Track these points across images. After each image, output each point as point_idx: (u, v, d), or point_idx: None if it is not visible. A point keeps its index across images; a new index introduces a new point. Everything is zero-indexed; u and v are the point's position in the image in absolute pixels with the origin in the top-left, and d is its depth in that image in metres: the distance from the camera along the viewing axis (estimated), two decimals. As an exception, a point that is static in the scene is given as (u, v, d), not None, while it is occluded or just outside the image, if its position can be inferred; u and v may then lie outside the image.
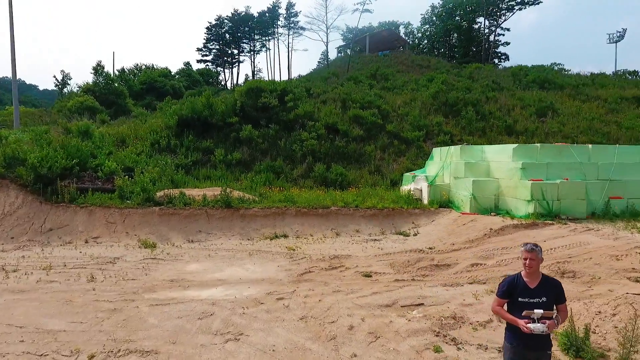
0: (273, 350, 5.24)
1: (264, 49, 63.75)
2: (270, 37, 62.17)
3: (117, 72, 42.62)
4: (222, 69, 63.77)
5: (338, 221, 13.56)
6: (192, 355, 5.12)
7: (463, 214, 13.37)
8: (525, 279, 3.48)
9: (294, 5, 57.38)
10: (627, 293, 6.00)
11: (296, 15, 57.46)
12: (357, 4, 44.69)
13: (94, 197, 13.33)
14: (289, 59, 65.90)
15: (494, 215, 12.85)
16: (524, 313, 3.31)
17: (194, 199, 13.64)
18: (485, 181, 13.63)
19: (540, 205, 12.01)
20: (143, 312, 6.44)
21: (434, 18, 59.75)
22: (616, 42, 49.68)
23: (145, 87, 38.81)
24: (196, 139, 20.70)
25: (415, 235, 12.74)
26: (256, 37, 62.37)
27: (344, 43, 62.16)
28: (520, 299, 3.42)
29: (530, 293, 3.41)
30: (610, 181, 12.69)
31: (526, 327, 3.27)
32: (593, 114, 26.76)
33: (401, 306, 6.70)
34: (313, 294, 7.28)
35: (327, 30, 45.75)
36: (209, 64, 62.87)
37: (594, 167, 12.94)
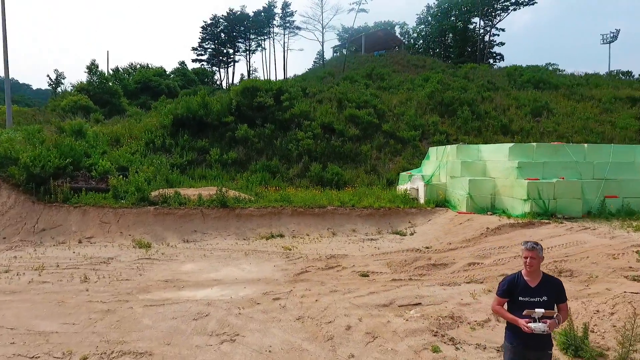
0: (269, 351, 5.17)
1: (259, 49, 63.65)
2: (265, 37, 62.04)
3: (111, 72, 42.32)
4: (217, 69, 63.57)
5: (334, 221, 13.50)
6: (187, 356, 5.04)
7: (459, 213, 13.35)
8: (525, 278, 3.43)
9: (290, 4, 57.30)
10: (625, 292, 5.99)
11: (292, 14, 57.36)
12: (353, 3, 44.58)
13: (87, 197, 13.17)
14: (285, 59, 65.96)
15: (491, 215, 12.84)
16: (524, 312, 3.26)
17: (189, 199, 13.53)
18: (481, 180, 13.62)
19: (536, 204, 12.02)
20: (137, 313, 6.34)
21: (430, 18, 59.90)
22: (610, 42, 50.02)
23: (139, 86, 38.54)
24: (191, 139, 20.56)
25: (411, 234, 12.70)
26: (252, 36, 62.19)
27: (340, 43, 62.13)
28: (520, 298, 3.38)
29: (531, 292, 3.36)
30: (606, 180, 12.72)
31: (527, 327, 3.22)
32: (587, 114, 26.91)
33: (399, 306, 6.65)
34: (310, 294, 7.21)
35: (322, 29, 45.63)
36: (204, 63, 62.62)
37: (589, 166, 12.97)
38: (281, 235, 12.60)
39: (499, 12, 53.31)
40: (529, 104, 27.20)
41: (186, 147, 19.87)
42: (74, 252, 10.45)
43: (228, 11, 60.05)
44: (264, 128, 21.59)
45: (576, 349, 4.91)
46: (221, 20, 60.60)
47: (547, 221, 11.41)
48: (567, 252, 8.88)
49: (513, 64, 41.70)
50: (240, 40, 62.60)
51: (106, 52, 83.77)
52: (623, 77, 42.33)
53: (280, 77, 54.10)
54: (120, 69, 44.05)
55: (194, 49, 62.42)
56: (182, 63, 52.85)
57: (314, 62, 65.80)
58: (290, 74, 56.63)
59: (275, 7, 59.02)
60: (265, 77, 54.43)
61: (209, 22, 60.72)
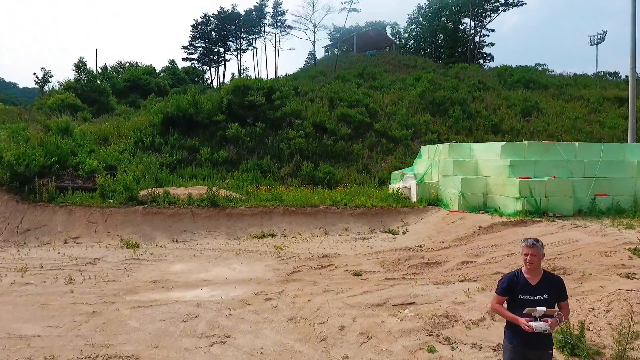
0: (261, 353, 5.02)
1: (250, 48, 63.17)
2: (257, 36, 61.62)
3: (99, 70, 41.63)
4: (208, 68, 63.06)
5: (326, 220, 13.37)
6: (175, 359, 4.86)
7: (452, 211, 13.32)
8: (526, 276, 3.33)
9: (281, 3, 56.97)
10: (620, 289, 5.97)
11: (283, 14, 57.06)
12: (344, 3, 44.45)
13: (74, 196, 12.86)
14: (276, 58, 65.61)
15: (483, 213, 12.82)
16: (525, 311, 3.16)
17: (178, 198, 13.29)
18: (473, 179, 13.61)
19: (528, 203, 12.03)
20: (124, 315, 6.14)
21: (420, 18, 60.06)
22: (597, 44, 50.67)
23: (129, 84, 37.97)
24: (181, 137, 20.27)
25: (404, 233, 12.63)
26: (243, 35, 61.75)
27: (331, 42, 61.99)
28: (520, 296, 3.27)
29: (532, 290, 3.26)
30: (596, 179, 12.79)
31: (527, 326, 3.12)
32: (576, 114, 27.22)
33: (392, 305, 6.54)
34: (302, 294, 7.07)
35: (314, 29, 45.40)
36: (195, 62, 62.06)
37: (580, 165, 13.04)
38: (273, 235, 12.44)
39: (488, 12, 53.76)
40: (519, 104, 27.41)
41: (176, 146, 19.58)
42: (59, 253, 10.17)
43: (219, 10, 59.64)
44: (255, 127, 21.38)
45: (572, 348, 4.84)
46: (212, 18, 60.11)
47: (539, 219, 11.43)
48: (559, 250, 8.87)
49: (503, 64, 42.03)
50: (231, 39, 62.16)
51: (95, 50, 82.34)
52: (610, 78, 42.93)
53: (272, 76, 53.73)
54: (109, 67, 43.37)
55: (184, 47, 61.84)
56: (172, 62, 52.16)
57: (305, 61, 65.63)
58: (281, 73, 56.44)
59: (266, 6, 58.70)
60: (257, 77, 54.04)
61: (199, 20, 60.23)
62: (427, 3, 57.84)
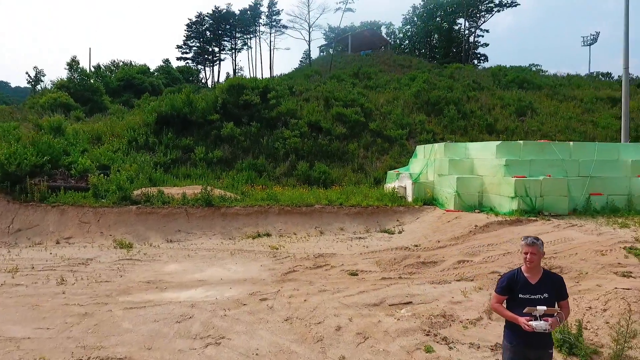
0: (256, 354, 4.95)
1: (245, 47, 62.97)
2: (251, 35, 61.45)
3: (93, 69, 41.25)
4: (202, 67, 62.72)
5: (322, 219, 13.31)
6: (169, 361, 4.77)
7: (447, 211, 13.31)
8: (526, 274, 3.29)
9: (276, 3, 56.81)
10: (616, 288, 5.96)
11: (278, 13, 56.89)
12: (340, 2, 44.44)
13: (66, 196, 12.68)
14: (271, 58, 65.37)
15: (478, 212, 12.82)
16: (525, 310, 3.11)
17: (173, 198, 13.16)
18: (469, 178, 13.61)
19: (523, 202, 12.05)
20: (116, 316, 6.03)
21: (415, 19, 60.16)
22: (590, 45, 51.11)
23: (122, 84, 37.61)
24: (176, 137, 20.10)
25: (400, 232, 12.60)
26: (237, 35, 61.51)
27: (326, 42, 61.94)
28: (520, 296, 3.23)
29: (532, 289, 3.22)
30: (591, 178, 12.85)
31: (528, 325, 3.08)
32: (570, 114, 27.36)
33: (389, 305, 6.49)
34: (298, 294, 7.00)
35: (309, 29, 45.29)
36: (189, 61, 61.69)
37: (575, 164, 13.08)
38: (268, 235, 12.35)
39: (483, 13, 53.97)
40: (514, 104, 27.51)
41: (170, 146, 19.42)
42: (50, 253, 10.01)
43: (213, 9, 59.32)
44: (250, 126, 21.27)
45: (570, 347, 4.82)
46: (206, 18, 59.80)
47: (535, 218, 11.45)
48: (555, 249, 8.87)
49: (497, 64, 42.21)
50: (225, 38, 61.88)
51: (88, 49, 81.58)
52: (603, 79, 43.24)
53: (267, 76, 53.61)
54: (102, 66, 43.01)
55: (178, 47, 61.49)
56: (167, 61, 51.83)
57: (300, 61, 65.46)
58: (276, 73, 56.13)
59: (261, 5, 58.58)
60: (252, 76, 53.86)
61: (194, 19, 59.90)
62: (421, 3, 58.00)
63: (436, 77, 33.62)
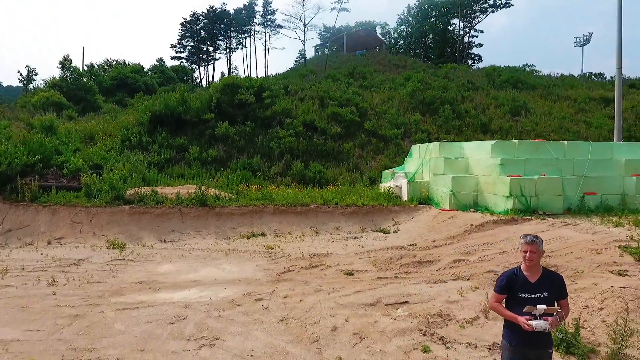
0: (251, 355, 4.87)
1: (240, 47, 62.62)
2: (246, 35, 61.08)
3: (86, 68, 40.85)
4: (197, 66, 62.34)
5: (317, 219, 13.24)
6: (162, 363, 4.68)
7: (443, 210, 13.30)
8: (525, 273, 3.24)
9: (271, 2, 56.57)
10: (612, 286, 5.95)
11: (273, 13, 56.55)
12: (334, 2, 44.32)
13: (58, 196, 12.51)
14: (266, 57, 65.31)
15: (473, 212, 12.81)
16: (525, 309, 3.07)
17: (166, 197, 13.03)
18: (464, 178, 13.61)
19: (518, 201, 12.05)
20: (109, 318, 5.93)
21: (410, 19, 60.24)
22: (583, 45, 51.39)
23: (116, 83, 37.29)
24: (169, 136, 19.95)
25: (395, 232, 12.57)
26: (232, 34, 61.13)
27: (321, 42, 61.83)
28: (520, 295, 3.18)
29: (531, 288, 3.17)
30: (585, 177, 12.88)
31: (527, 325, 3.03)
32: (563, 114, 27.53)
33: (385, 305, 6.44)
34: (293, 294, 6.93)
35: (304, 28, 45.13)
36: (184, 61, 61.26)
37: (569, 164, 13.12)
38: (263, 234, 12.26)
39: (477, 13, 54.15)
40: (508, 104, 27.63)
41: (164, 145, 19.27)
42: (41, 254, 9.85)
43: (208, 8, 58.88)
44: (245, 126, 21.15)
45: (568, 346, 4.79)
46: (201, 17, 59.37)
47: (530, 218, 11.45)
48: (550, 248, 8.86)
49: (491, 64, 42.38)
50: (220, 38, 61.50)
51: (81, 47, 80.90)
52: (595, 79, 43.59)
53: (262, 75, 53.43)
54: (96, 65, 42.59)
55: (172, 46, 60.98)
56: (161, 60, 51.39)
57: (295, 61, 65.39)
58: (271, 72, 55.95)
59: (256, 5, 58.19)
60: (246, 76, 53.62)
61: (188, 19, 59.44)
62: (416, 4, 58.04)
63: (431, 77, 33.68)
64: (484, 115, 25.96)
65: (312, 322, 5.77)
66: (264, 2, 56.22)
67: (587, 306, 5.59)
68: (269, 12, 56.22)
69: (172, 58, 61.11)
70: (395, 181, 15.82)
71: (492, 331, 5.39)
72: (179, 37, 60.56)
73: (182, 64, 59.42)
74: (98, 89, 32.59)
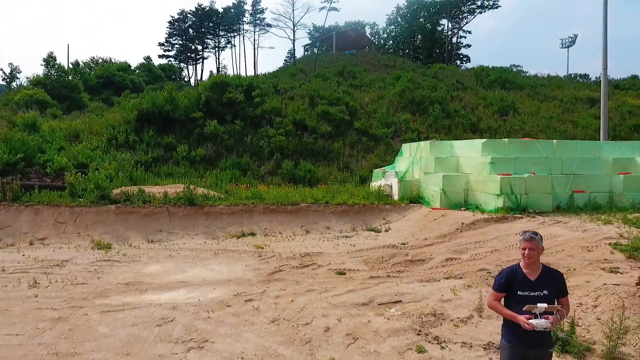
0: (242, 358, 4.72)
1: (229, 46, 62.16)
2: (235, 34, 60.68)
3: (71, 65, 40.02)
4: (185, 65, 61.67)
5: (308, 218, 13.11)
6: (148, 367, 4.50)
7: (433, 209, 13.28)
8: (524, 271, 3.15)
9: (260, 1, 56.30)
10: (605, 284, 5.94)
11: (262, 11, 56.27)
12: (324, 1, 44.27)
13: (40, 195, 12.15)
14: (255, 57, 64.73)
15: (464, 210, 12.82)
16: (525, 308, 2.97)
17: (154, 197, 12.76)
18: (455, 176, 13.62)
19: (509, 199, 12.08)
20: (92, 320, 5.71)
21: (399, 19, 60.48)
22: (568, 47, 52.07)
23: (102, 81, 36.61)
24: (157, 135, 19.62)
25: (386, 231, 12.50)
26: (221, 33, 60.66)
27: (311, 41, 61.72)
28: (519, 293, 3.09)
29: (531, 286, 3.08)
30: (574, 175, 12.99)
31: (527, 324, 2.94)
32: (551, 113, 27.83)
33: (378, 304, 6.34)
34: (284, 294, 6.78)
35: (293, 27, 44.98)
36: (172, 59, 60.57)
37: (558, 162, 13.22)
38: (253, 234, 12.08)
39: (465, 14, 54.62)
40: (496, 103, 27.84)
41: (151, 144, 18.94)
42: (23, 255, 9.53)
43: (196, 6, 58.32)
44: (234, 124, 20.91)
45: (563, 344, 4.74)
46: (189, 15, 58.80)
47: (520, 216, 11.49)
48: (542, 245, 8.87)
49: (479, 64, 42.73)
50: (209, 36, 60.98)
51: (66, 45, 79.37)
52: (580, 80, 44.29)
53: (251, 74, 53.07)
54: (81, 63, 41.75)
55: (160, 44, 60.31)
56: (148, 58, 50.64)
57: (284, 60, 64.99)
58: (260, 71, 55.59)
59: (245, 3, 57.88)
60: (235, 74, 53.15)
61: (176, 17, 58.79)
62: (405, 4, 58.32)
63: (420, 76, 33.80)
64: (473, 115, 26.11)
65: (304, 322, 5.64)
66: (253, 1, 55.97)
67: (581, 304, 5.57)
68: (258, 10, 55.97)
69: (160, 56, 60.45)
70: (386, 180, 15.77)
71: (487, 330, 5.33)
72: (166, 36, 59.96)
73: (170, 62, 58.72)
74: (84, 87, 31.92)
